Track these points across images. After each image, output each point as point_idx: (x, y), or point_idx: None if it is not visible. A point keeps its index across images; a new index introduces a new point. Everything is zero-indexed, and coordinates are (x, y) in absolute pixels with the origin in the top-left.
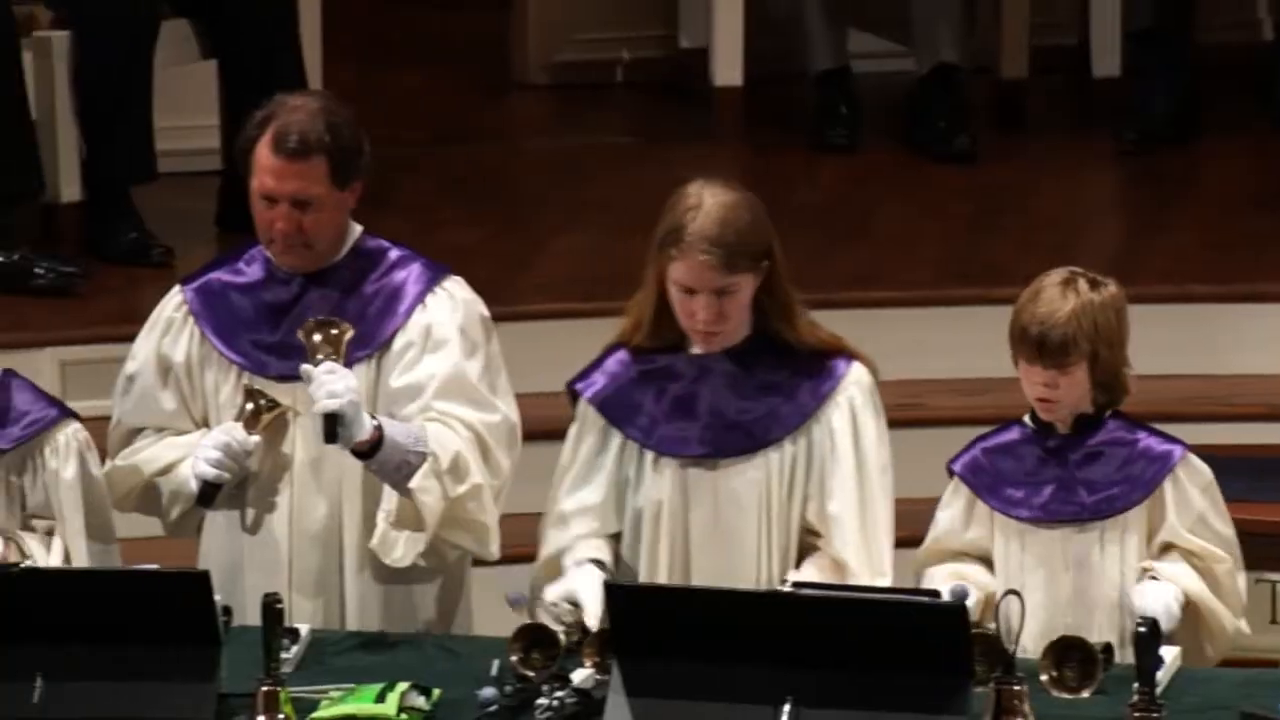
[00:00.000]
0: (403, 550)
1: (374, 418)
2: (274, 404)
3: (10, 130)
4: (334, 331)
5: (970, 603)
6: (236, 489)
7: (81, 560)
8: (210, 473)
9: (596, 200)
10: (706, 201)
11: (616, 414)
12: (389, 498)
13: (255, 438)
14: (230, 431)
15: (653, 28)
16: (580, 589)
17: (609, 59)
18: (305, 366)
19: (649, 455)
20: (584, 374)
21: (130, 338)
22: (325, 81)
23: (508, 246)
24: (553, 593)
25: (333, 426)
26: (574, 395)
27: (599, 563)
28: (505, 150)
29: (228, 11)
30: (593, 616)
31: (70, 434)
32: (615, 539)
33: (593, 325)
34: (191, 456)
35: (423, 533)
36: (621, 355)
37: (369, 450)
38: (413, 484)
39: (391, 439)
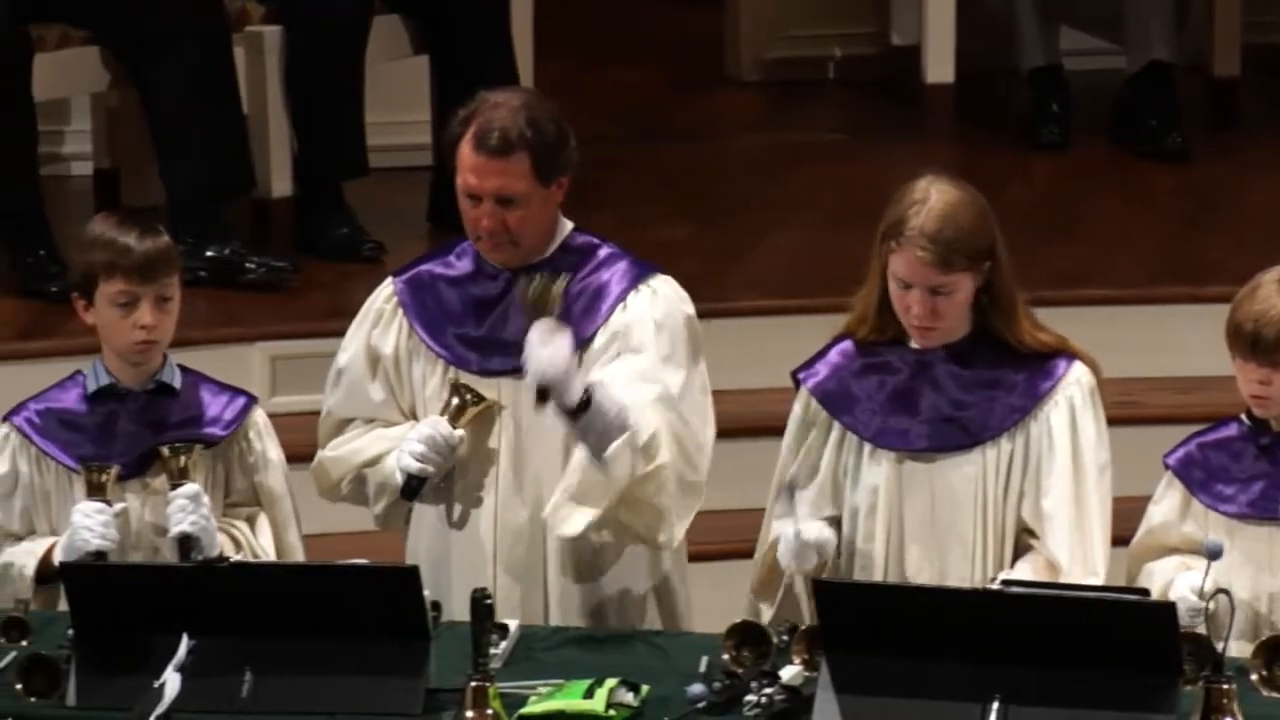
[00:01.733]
0: (575, 523)
1: (587, 384)
2: (479, 398)
3: (222, 125)
4: (552, 289)
5: (1224, 561)
6: (442, 483)
7: (294, 540)
8: (414, 466)
9: (806, 197)
10: (932, 198)
11: (836, 404)
12: (571, 472)
13: (460, 432)
14: (435, 425)
15: (865, 25)
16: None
17: (821, 56)
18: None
19: (866, 447)
20: (808, 363)
21: (340, 333)
22: (536, 77)
23: (717, 243)
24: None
25: (544, 392)
26: (797, 384)
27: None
28: (716, 147)
29: (440, 6)
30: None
31: (263, 416)
32: (835, 523)
33: (801, 322)
34: (397, 450)
35: (599, 506)
36: (845, 346)
37: (577, 410)
38: (608, 454)
39: (599, 405)
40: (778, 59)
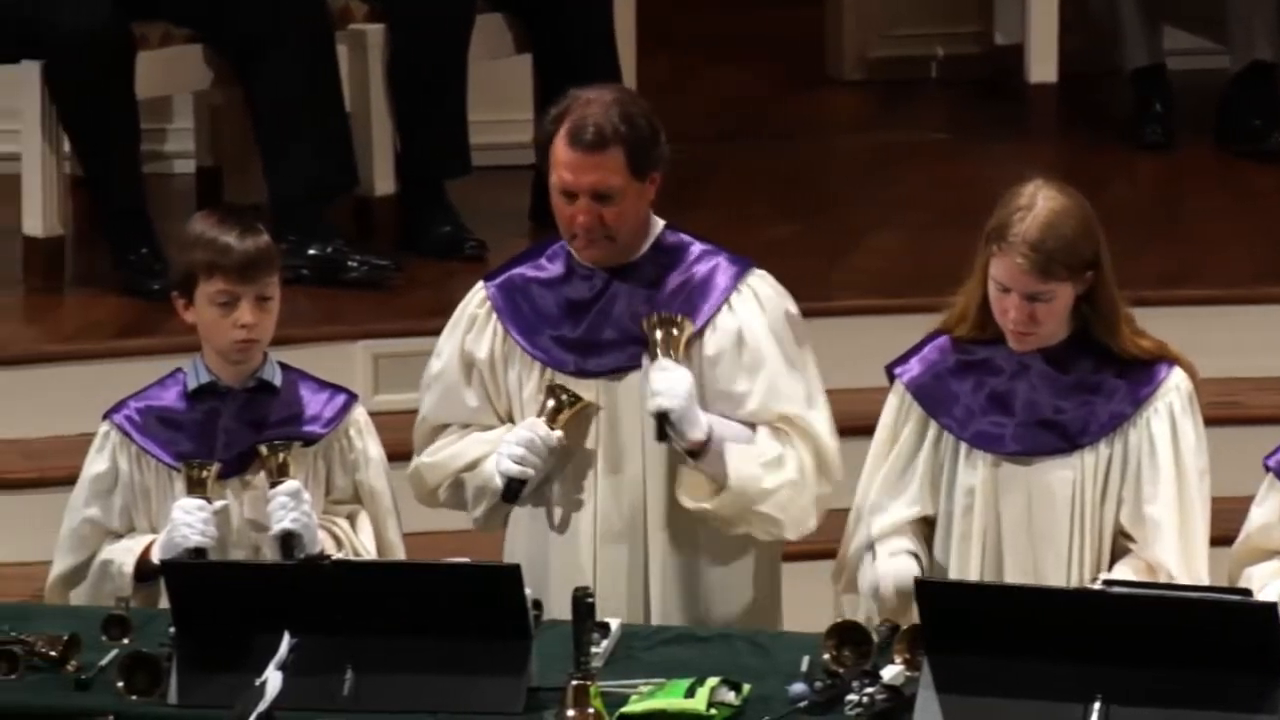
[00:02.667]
0: (694, 498)
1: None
2: (576, 399)
3: (325, 123)
4: (674, 330)
5: None
6: (541, 484)
7: (395, 538)
8: (514, 469)
9: (908, 197)
10: (1038, 205)
11: (932, 402)
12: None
13: (558, 433)
14: (534, 428)
15: (968, 24)
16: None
17: (924, 55)
18: (646, 363)
19: (963, 448)
20: (903, 358)
21: (442, 331)
22: (638, 76)
23: (819, 242)
24: (865, 582)
25: (664, 425)
26: (891, 378)
27: (914, 554)
28: (818, 146)
29: (544, 5)
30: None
31: (364, 414)
32: (928, 524)
33: (903, 321)
34: (496, 453)
35: (718, 514)
36: (942, 343)
37: (699, 449)
38: (731, 473)
39: (720, 439)
40: (881, 58)
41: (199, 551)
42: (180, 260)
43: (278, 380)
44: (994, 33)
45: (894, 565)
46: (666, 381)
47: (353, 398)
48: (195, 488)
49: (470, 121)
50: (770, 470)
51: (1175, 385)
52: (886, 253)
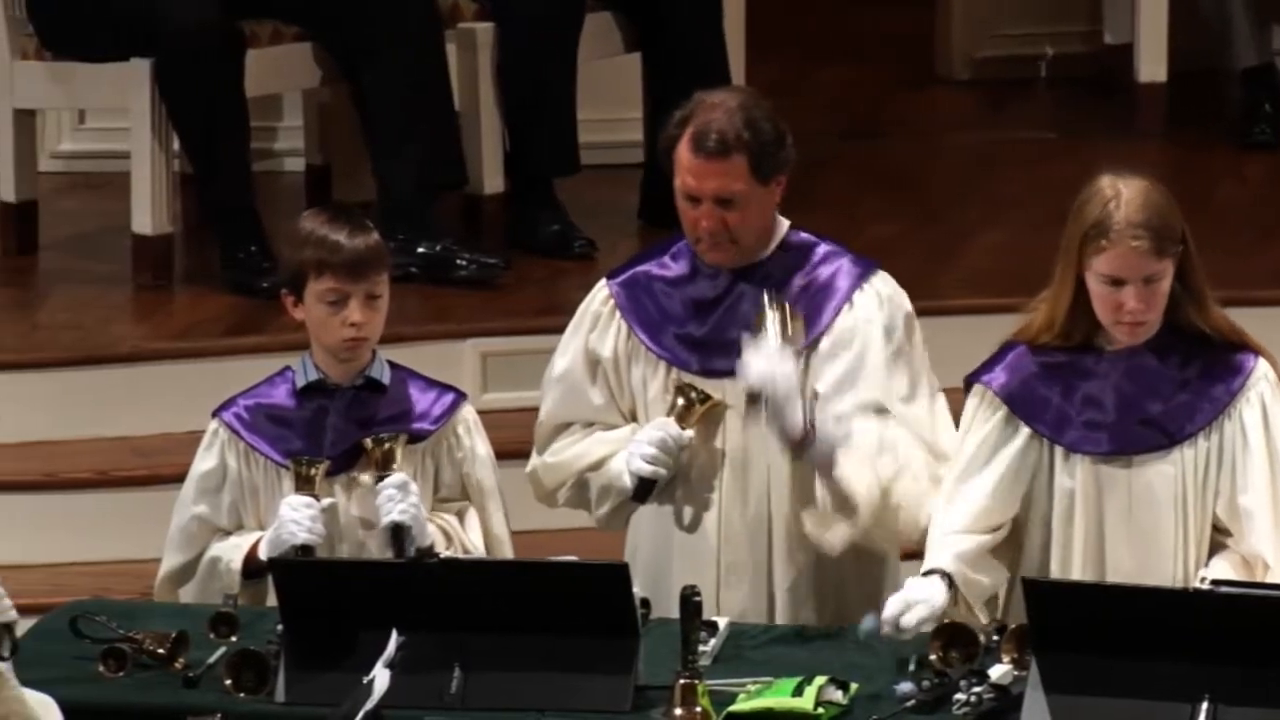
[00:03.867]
0: (835, 541)
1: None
2: (705, 397)
3: (434, 121)
4: (790, 316)
5: None
6: (667, 483)
7: (503, 536)
8: (647, 469)
9: (1017, 196)
10: (1124, 191)
11: (1025, 408)
12: (818, 489)
13: (689, 432)
14: (665, 427)
15: (1077, 23)
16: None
17: (1033, 55)
18: (747, 336)
19: (1059, 451)
20: (985, 368)
21: (552, 330)
22: (748, 75)
23: (929, 241)
24: (893, 604)
25: (755, 400)
26: (969, 387)
27: (946, 575)
28: (928, 145)
29: (653, 4)
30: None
31: (472, 412)
32: (993, 532)
33: (1012, 320)
34: (624, 452)
35: (854, 521)
36: (1021, 350)
37: (801, 443)
38: (839, 471)
39: (824, 431)
40: (990, 57)
41: (305, 549)
42: (290, 258)
43: (386, 378)
44: (1103, 32)
45: (914, 593)
46: (766, 364)
47: (461, 396)
48: (303, 485)
49: (579, 120)
50: (882, 457)
51: (1264, 374)
52: (994, 252)
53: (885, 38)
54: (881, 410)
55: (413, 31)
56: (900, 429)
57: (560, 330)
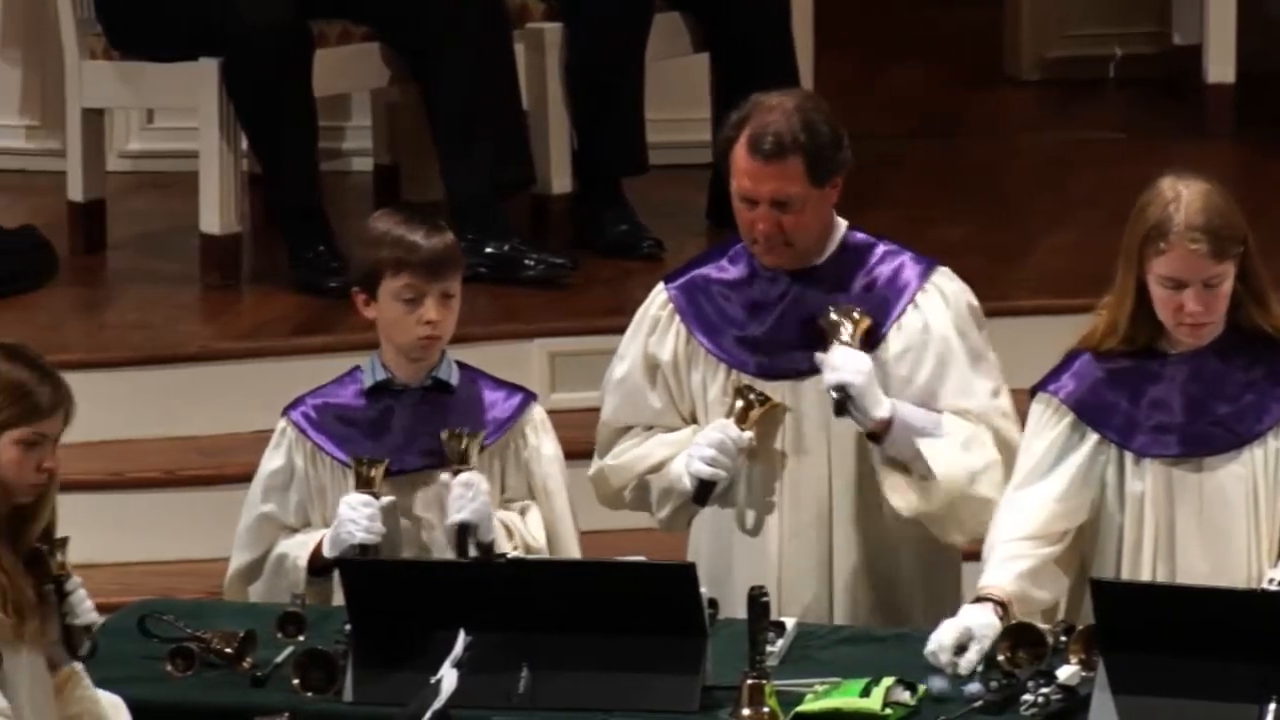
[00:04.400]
0: (905, 504)
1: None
2: (765, 399)
3: (502, 121)
4: (854, 317)
5: None
6: (728, 484)
7: (569, 536)
8: (706, 471)
9: (1085, 196)
10: (1184, 194)
11: (1093, 415)
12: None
13: (748, 434)
14: (724, 429)
15: (1146, 24)
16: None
17: (1101, 55)
18: (818, 356)
19: (1129, 456)
20: (1053, 376)
21: (620, 330)
22: (816, 75)
23: (997, 241)
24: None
25: (843, 401)
26: (1034, 394)
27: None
28: (996, 145)
29: (722, 4)
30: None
31: (541, 412)
32: (1059, 541)
33: (1081, 321)
34: (684, 454)
35: (930, 500)
36: (1087, 358)
37: (882, 430)
38: (923, 443)
39: (905, 421)
40: (1058, 58)
41: (364, 548)
42: (365, 256)
43: (454, 379)
44: (1172, 33)
45: (974, 626)
46: (845, 358)
47: (531, 396)
48: (363, 484)
49: (647, 120)
50: (971, 450)
51: None
52: (1062, 252)
53: (954, 37)
54: (964, 411)
55: (481, 31)
56: (987, 433)
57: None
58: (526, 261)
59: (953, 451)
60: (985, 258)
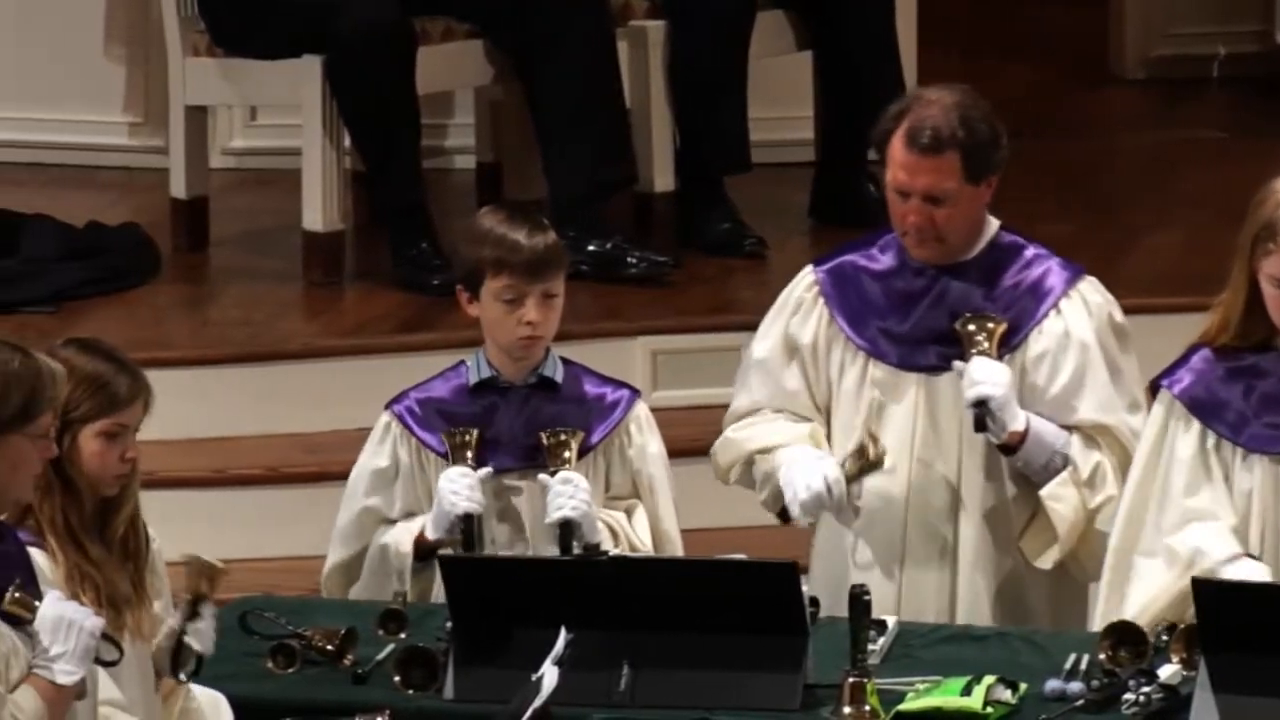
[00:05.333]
0: (1046, 560)
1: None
2: (880, 460)
3: (605, 119)
4: (989, 327)
5: None
6: (852, 485)
7: (672, 534)
8: (795, 511)
9: (1190, 196)
10: None
11: (1205, 410)
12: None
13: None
14: (827, 473)
15: (1249, 23)
16: None
17: (1205, 54)
18: (957, 364)
19: (1238, 453)
20: (1170, 371)
21: (722, 328)
22: (920, 73)
23: (1100, 240)
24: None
25: (982, 415)
26: (1154, 392)
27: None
28: (1100, 144)
29: (826, 2)
30: None
31: (645, 409)
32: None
33: (1183, 321)
34: (796, 455)
35: (1058, 541)
36: (1206, 354)
37: (1015, 445)
38: (1044, 492)
39: (1038, 435)
40: (1162, 57)
41: (468, 518)
42: (468, 255)
43: (559, 376)
44: (1275, 32)
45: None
46: (986, 371)
47: (635, 393)
48: (457, 452)
49: (750, 118)
50: (1093, 489)
51: None
52: (1166, 252)
53: (1058, 36)
54: (1101, 428)
55: (584, 29)
56: (1111, 459)
57: (730, 328)
58: (629, 259)
59: (1072, 491)
60: (1089, 257)
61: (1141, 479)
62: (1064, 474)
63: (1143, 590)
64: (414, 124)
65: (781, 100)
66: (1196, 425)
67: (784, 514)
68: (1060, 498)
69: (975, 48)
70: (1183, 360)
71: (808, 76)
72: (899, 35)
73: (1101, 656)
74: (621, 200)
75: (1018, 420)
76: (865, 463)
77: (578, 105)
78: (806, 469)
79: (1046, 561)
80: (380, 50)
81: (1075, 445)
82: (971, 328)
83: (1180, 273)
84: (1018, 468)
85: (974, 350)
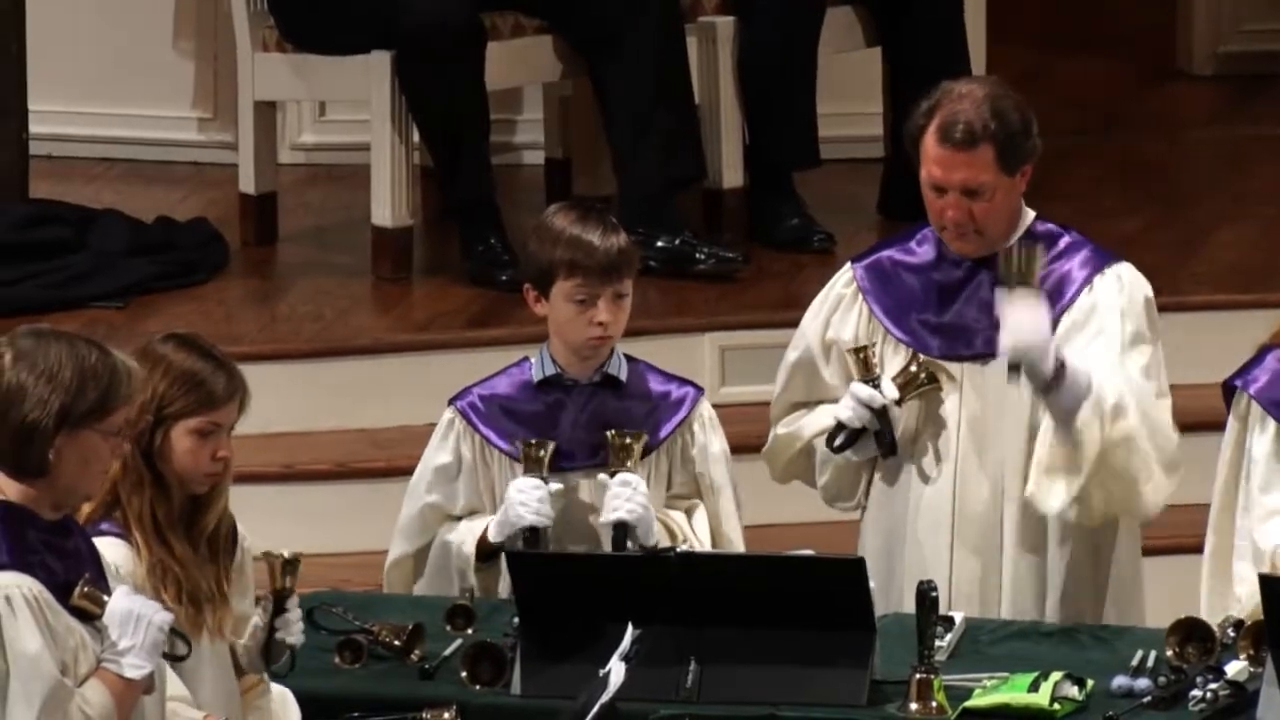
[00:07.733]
0: (1055, 499)
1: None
2: (933, 378)
3: (675, 115)
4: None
5: None
6: (898, 469)
7: (733, 534)
8: (845, 414)
9: (1259, 191)
10: None
11: (1278, 409)
12: (1040, 446)
13: (891, 395)
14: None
15: None
16: None
17: (1275, 50)
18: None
19: None
20: (1243, 370)
21: (791, 324)
22: (989, 67)
23: (1170, 236)
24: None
25: (1016, 362)
26: (1230, 391)
27: None
28: (1169, 140)
29: None
30: None
31: (709, 408)
32: None
33: (1255, 317)
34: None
35: (1076, 477)
36: (1278, 353)
37: (1051, 383)
38: (1075, 423)
39: (1073, 376)
40: (1232, 53)
41: (533, 531)
42: (539, 254)
43: (623, 374)
44: None
45: None
46: (1023, 321)
47: (699, 392)
48: (532, 466)
49: (819, 114)
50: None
51: None
52: (1236, 248)
53: (1128, 31)
54: (1125, 380)
55: (654, 25)
56: (1133, 398)
57: (799, 325)
58: (698, 255)
59: (1094, 419)
60: (1157, 252)
61: (1226, 481)
62: (1090, 403)
63: (1249, 595)
64: (483, 120)
65: (851, 96)
66: (1273, 425)
67: (832, 439)
68: (1087, 424)
69: (1044, 43)
70: (1256, 360)
71: (877, 72)
72: (968, 31)
73: (1169, 653)
74: (691, 196)
75: (1049, 365)
76: (916, 376)
77: (647, 101)
78: (851, 389)
79: (1054, 501)
80: (449, 46)
81: (1099, 381)
82: (1016, 266)
83: (1249, 269)
84: (1047, 408)
85: (1016, 292)
